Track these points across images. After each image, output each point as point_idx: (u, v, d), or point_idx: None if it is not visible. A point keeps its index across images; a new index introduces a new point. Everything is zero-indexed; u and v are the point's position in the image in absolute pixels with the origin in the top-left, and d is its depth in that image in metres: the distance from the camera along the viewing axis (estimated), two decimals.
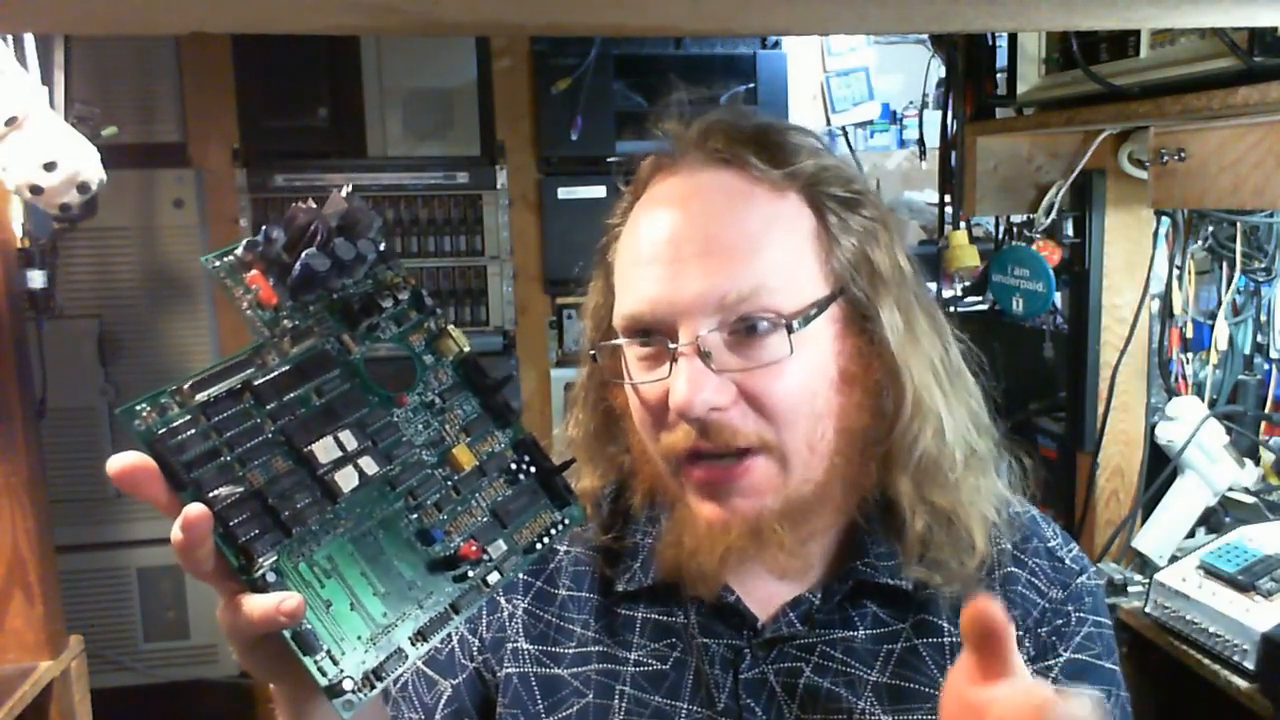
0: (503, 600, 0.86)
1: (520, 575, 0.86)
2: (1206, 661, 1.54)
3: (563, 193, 2.68)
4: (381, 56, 2.56)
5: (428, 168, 2.61)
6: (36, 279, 1.93)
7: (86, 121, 1.68)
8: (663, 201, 0.76)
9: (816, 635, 0.79)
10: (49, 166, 1.43)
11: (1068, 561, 0.84)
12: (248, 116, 2.54)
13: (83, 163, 1.47)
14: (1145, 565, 1.86)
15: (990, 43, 1.89)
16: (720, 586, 0.79)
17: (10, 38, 1.46)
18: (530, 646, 0.84)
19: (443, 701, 0.84)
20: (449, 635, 0.86)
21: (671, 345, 0.72)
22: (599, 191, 2.68)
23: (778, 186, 0.75)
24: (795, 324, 0.72)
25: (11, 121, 1.40)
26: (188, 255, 2.49)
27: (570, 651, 0.82)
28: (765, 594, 0.80)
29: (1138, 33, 1.48)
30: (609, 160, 2.68)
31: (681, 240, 0.73)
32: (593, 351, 0.81)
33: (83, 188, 1.47)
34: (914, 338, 0.77)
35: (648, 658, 0.81)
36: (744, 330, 0.72)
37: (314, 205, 0.62)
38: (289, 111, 2.54)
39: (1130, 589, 1.79)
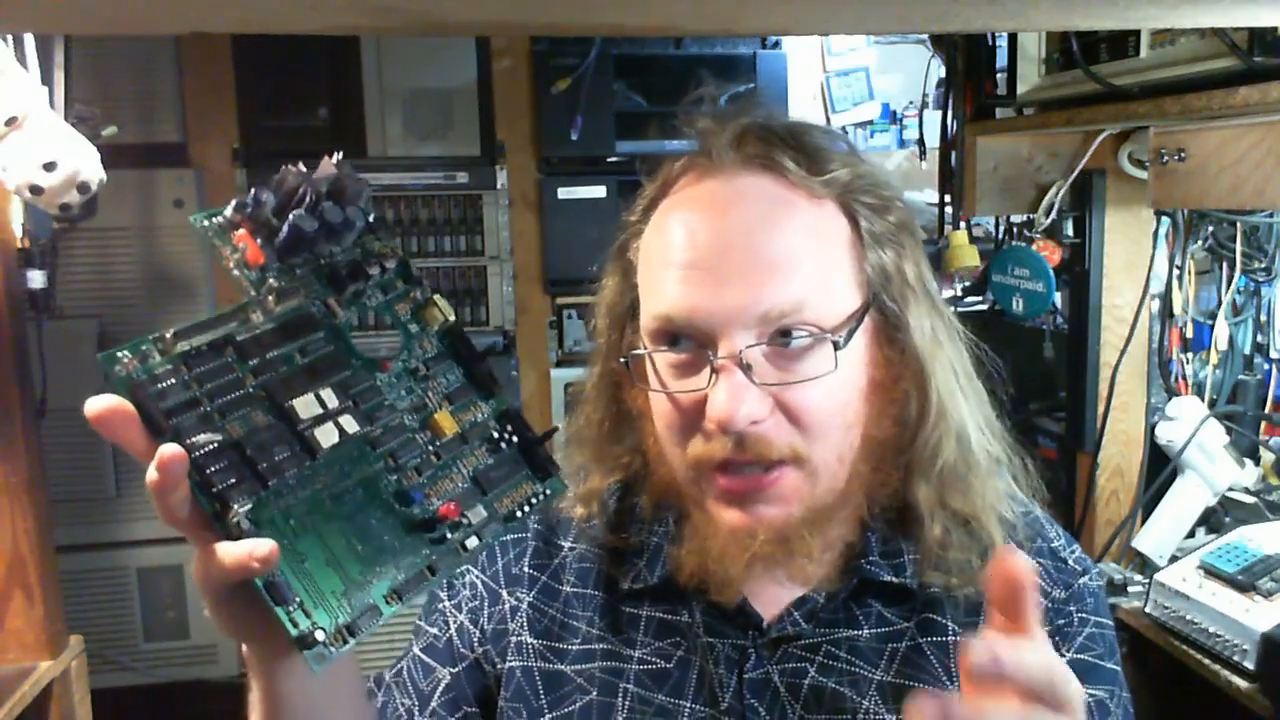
0: (505, 593, 0.86)
1: (526, 570, 0.86)
2: (1206, 661, 1.54)
3: (563, 193, 2.68)
4: (381, 56, 2.56)
5: (428, 168, 2.61)
6: (36, 279, 1.93)
7: (86, 121, 1.68)
8: (701, 205, 0.75)
9: (821, 634, 0.79)
10: (49, 166, 1.43)
11: (1070, 562, 0.84)
12: (248, 116, 2.54)
13: (83, 163, 1.47)
14: (1145, 565, 1.86)
15: (990, 43, 1.89)
16: (740, 593, 0.79)
17: (10, 38, 1.46)
18: (534, 641, 0.84)
19: (439, 689, 0.84)
20: (446, 624, 0.86)
21: (711, 355, 0.71)
22: (599, 191, 2.67)
23: (815, 194, 0.74)
24: (841, 340, 0.72)
25: (11, 121, 1.40)
26: (188, 255, 2.49)
27: (574, 648, 0.83)
28: (770, 594, 0.80)
29: (1138, 33, 1.48)
30: (609, 160, 2.68)
31: (725, 248, 0.72)
32: (623, 359, 0.79)
33: (83, 188, 1.47)
34: (938, 344, 0.77)
35: (652, 656, 0.81)
36: (784, 344, 0.71)
37: (304, 169, 0.62)
38: (289, 111, 2.54)
39: (1130, 589, 1.79)
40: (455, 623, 0.86)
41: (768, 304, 0.70)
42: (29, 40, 1.52)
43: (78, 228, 2.23)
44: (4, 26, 1.18)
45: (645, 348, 0.77)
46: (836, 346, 0.72)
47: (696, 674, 0.79)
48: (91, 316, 2.46)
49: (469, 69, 2.62)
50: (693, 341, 0.73)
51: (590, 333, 0.87)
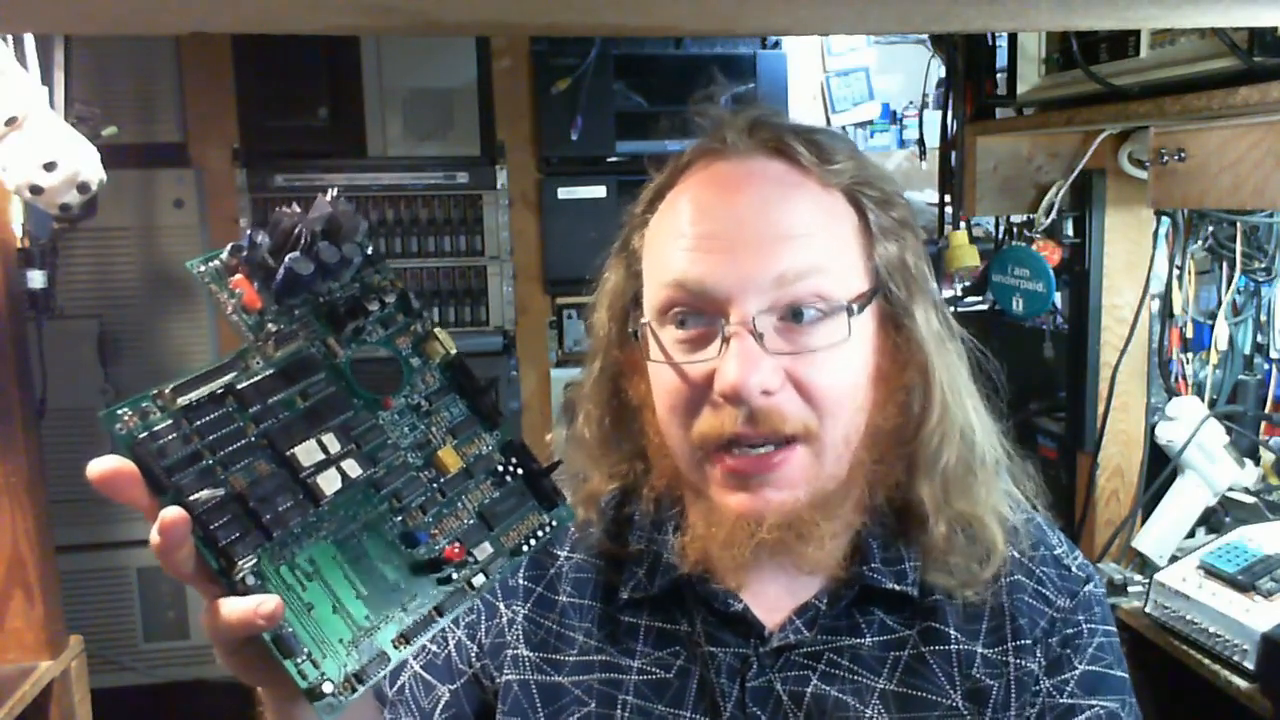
0: (502, 606, 0.85)
1: (521, 581, 0.85)
2: (1206, 661, 1.54)
3: (563, 193, 2.67)
4: (381, 56, 2.56)
5: (428, 168, 2.61)
6: (36, 279, 1.93)
7: (86, 121, 1.67)
8: (715, 184, 0.75)
9: (823, 642, 0.78)
10: (49, 166, 1.43)
11: (1074, 569, 0.84)
12: (248, 116, 2.54)
13: (83, 163, 1.46)
14: (1145, 565, 1.85)
15: (990, 43, 1.89)
16: (745, 580, 0.78)
17: (10, 38, 1.46)
18: (530, 653, 0.83)
19: (440, 706, 0.84)
20: (445, 640, 0.86)
21: (722, 323, 0.71)
22: (599, 191, 2.67)
23: (825, 182, 0.75)
24: (854, 308, 0.72)
25: (11, 121, 1.40)
26: (187, 255, 2.46)
27: (571, 659, 0.82)
28: (771, 602, 0.80)
29: (1138, 33, 1.48)
30: (609, 160, 2.68)
31: (740, 220, 0.72)
32: (632, 329, 0.79)
33: (83, 188, 1.47)
34: (941, 341, 0.77)
35: (651, 666, 0.80)
36: (796, 316, 0.71)
37: (299, 209, 0.61)
38: (289, 111, 2.54)
39: (1130, 589, 1.79)
40: (454, 639, 0.86)
41: (783, 267, 0.70)
42: (29, 40, 1.52)
43: (78, 228, 2.22)
44: (4, 26, 1.18)
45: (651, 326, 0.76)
46: (850, 313, 0.72)
47: (697, 684, 0.78)
48: (91, 316, 2.46)
49: (469, 69, 2.61)
50: (703, 317, 0.73)
51: (588, 328, 0.86)
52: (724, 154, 0.76)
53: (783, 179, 0.74)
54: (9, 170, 1.43)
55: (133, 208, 2.47)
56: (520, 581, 0.85)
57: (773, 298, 0.71)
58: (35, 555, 1.66)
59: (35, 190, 1.44)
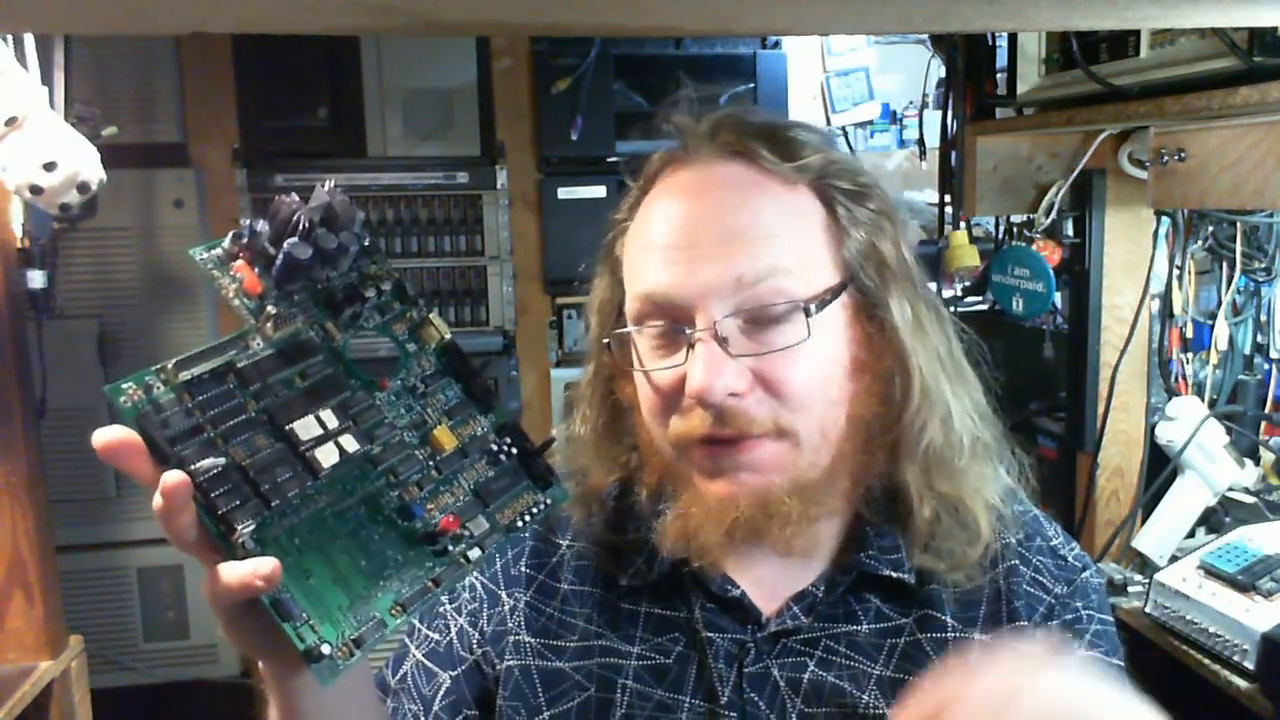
0: (504, 594, 0.86)
1: (523, 569, 0.87)
2: (1206, 661, 1.54)
3: (563, 193, 2.68)
4: (381, 56, 2.56)
5: (428, 168, 2.61)
6: (36, 279, 1.93)
7: (86, 121, 1.68)
8: (677, 192, 0.77)
9: (820, 629, 0.79)
10: (49, 166, 1.43)
11: (1070, 559, 0.85)
12: (248, 116, 2.54)
13: (83, 163, 1.46)
14: (1145, 565, 1.86)
15: (990, 43, 1.89)
16: (725, 559, 0.79)
17: (10, 38, 1.46)
18: (532, 639, 0.84)
19: (441, 693, 0.85)
20: (447, 627, 0.87)
21: (688, 330, 0.73)
22: (599, 191, 2.67)
23: (788, 179, 0.76)
24: (812, 307, 0.73)
25: (11, 121, 1.40)
26: (188, 255, 2.48)
27: (572, 645, 0.83)
28: (769, 589, 0.81)
29: (1138, 33, 1.48)
30: (609, 160, 2.68)
31: (699, 228, 0.74)
32: (606, 340, 0.81)
33: (83, 188, 1.47)
34: (920, 327, 0.78)
35: (650, 652, 0.81)
36: (760, 317, 0.73)
37: (297, 198, 0.63)
38: (289, 111, 2.54)
39: (1130, 589, 1.79)
40: (455, 626, 0.87)
41: (741, 269, 0.72)
42: (29, 40, 1.52)
43: (78, 228, 2.22)
44: (4, 26, 1.18)
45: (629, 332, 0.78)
46: (808, 313, 0.73)
47: (696, 669, 0.80)
48: (91, 316, 2.46)
49: (469, 69, 2.61)
50: (673, 323, 0.75)
51: (586, 328, 0.88)
52: (687, 161, 0.78)
53: (742, 182, 0.76)
54: (9, 170, 1.43)
55: (133, 208, 2.47)
56: (523, 570, 0.87)
57: (735, 301, 0.72)
58: (35, 555, 1.66)
59: (35, 190, 1.44)
